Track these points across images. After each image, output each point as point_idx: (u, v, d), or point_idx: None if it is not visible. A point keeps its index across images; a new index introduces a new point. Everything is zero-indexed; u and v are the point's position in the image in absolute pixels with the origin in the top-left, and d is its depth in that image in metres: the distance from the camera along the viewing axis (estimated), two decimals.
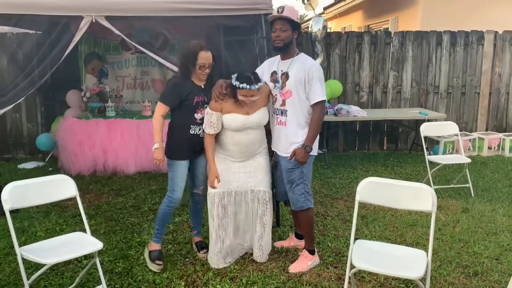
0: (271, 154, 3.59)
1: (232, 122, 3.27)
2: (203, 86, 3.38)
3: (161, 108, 3.33)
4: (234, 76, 3.20)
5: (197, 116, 3.35)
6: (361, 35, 7.35)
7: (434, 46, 7.34)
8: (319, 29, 6.71)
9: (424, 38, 7.32)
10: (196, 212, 3.70)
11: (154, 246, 3.49)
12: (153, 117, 3.39)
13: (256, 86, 3.16)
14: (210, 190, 3.40)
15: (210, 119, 3.27)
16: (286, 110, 3.33)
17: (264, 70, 3.48)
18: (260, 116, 3.34)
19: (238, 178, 3.40)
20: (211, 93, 3.27)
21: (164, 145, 3.42)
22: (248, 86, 3.13)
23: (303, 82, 3.26)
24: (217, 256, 3.42)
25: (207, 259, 3.50)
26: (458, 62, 7.41)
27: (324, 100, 3.30)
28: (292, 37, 3.28)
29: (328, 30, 7.54)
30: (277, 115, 3.41)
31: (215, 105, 3.26)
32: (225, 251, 3.44)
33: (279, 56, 3.41)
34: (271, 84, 3.39)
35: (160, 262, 3.39)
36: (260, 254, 3.51)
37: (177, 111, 3.37)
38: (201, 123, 3.35)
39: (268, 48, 4.14)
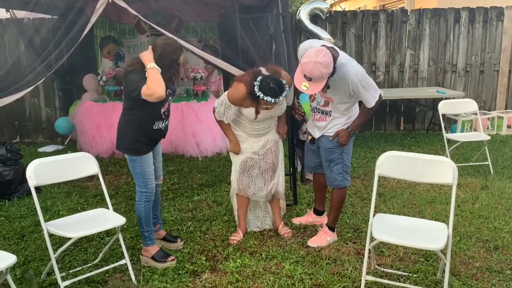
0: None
1: (252, 115, 3.26)
2: None
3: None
4: (257, 84, 3.07)
5: (162, 110, 3.09)
6: (377, 14, 7.24)
7: (452, 23, 7.20)
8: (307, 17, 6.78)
9: (441, 15, 7.18)
10: (157, 205, 3.43)
11: (154, 248, 3.22)
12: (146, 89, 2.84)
13: (281, 98, 3.08)
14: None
15: (229, 111, 3.26)
16: (330, 111, 3.29)
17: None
18: (280, 109, 3.34)
19: (253, 146, 3.46)
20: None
21: (117, 140, 3.15)
22: (272, 100, 3.05)
23: (347, 93, 3.14)
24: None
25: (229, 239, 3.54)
26: (476, 40, 7.26)
27: (377, 101, 3.15)
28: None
29: (341, 9, 7.54)
30: (315, 112, 3.38)
31: (237, 101, 3.21)
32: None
33: None
34: None
35: (173, 257, 3.21)
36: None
37: (142, 107, 2.98)
38: (164, 118, 3.13)
39: (284, 26, 4.10)
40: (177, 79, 3.10)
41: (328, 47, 3.04)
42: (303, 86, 2.97)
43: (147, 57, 2.92)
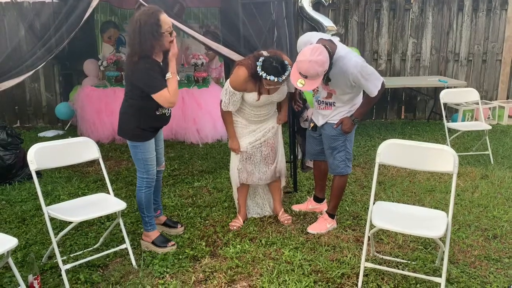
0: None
1: (254, 100, 3.25)
2: (161, 63, 2.97)
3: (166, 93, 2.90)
4: (259, 64, 3.08)
5: None
6: (380, 1, 7.17)
7: (455, 11, 7.14)
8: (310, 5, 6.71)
9: (445, 3, 7.11)
10: (158, 190, 3.46)
11: (154, 234, 3.23)
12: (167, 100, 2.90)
13: (284, 77, 3.08)
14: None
15: (233, 98, 3.24)
16: (334, 102, 3.30)
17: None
18: (281, 94, 3.33)
19: (254, 135, 3.45)
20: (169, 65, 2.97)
21: (119, 127, 3.13)
22: (275, 79, 3.04)
23: (348, 85, 3.14)
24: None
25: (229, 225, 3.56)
26: (480, 28, 7.20)
27: (380, 90, 3.13)
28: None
29: None
30: (319, 104, 3.39)
31: (239, 85, 3.20)
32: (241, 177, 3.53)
33: None
34: None
35: (173, 242, 3.23)
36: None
37: (145, 94, 2.93)
38: None
39: (286, 11, 4.07)
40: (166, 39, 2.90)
41: (326, 41, 3.04)
42: (299, 83, 2.99)
43: (173, 63, 2.93)
